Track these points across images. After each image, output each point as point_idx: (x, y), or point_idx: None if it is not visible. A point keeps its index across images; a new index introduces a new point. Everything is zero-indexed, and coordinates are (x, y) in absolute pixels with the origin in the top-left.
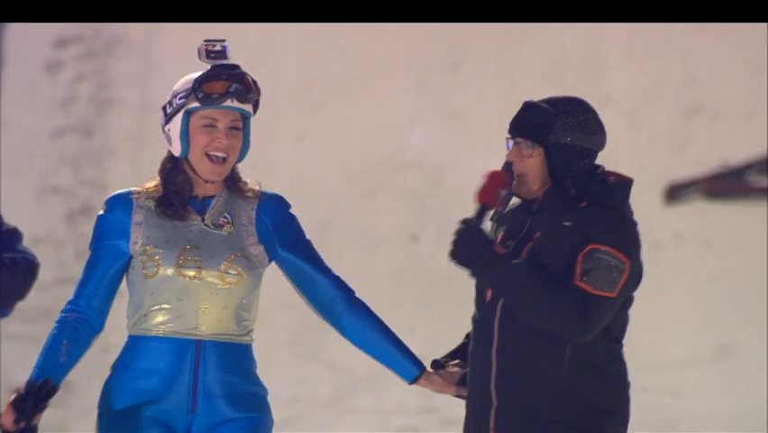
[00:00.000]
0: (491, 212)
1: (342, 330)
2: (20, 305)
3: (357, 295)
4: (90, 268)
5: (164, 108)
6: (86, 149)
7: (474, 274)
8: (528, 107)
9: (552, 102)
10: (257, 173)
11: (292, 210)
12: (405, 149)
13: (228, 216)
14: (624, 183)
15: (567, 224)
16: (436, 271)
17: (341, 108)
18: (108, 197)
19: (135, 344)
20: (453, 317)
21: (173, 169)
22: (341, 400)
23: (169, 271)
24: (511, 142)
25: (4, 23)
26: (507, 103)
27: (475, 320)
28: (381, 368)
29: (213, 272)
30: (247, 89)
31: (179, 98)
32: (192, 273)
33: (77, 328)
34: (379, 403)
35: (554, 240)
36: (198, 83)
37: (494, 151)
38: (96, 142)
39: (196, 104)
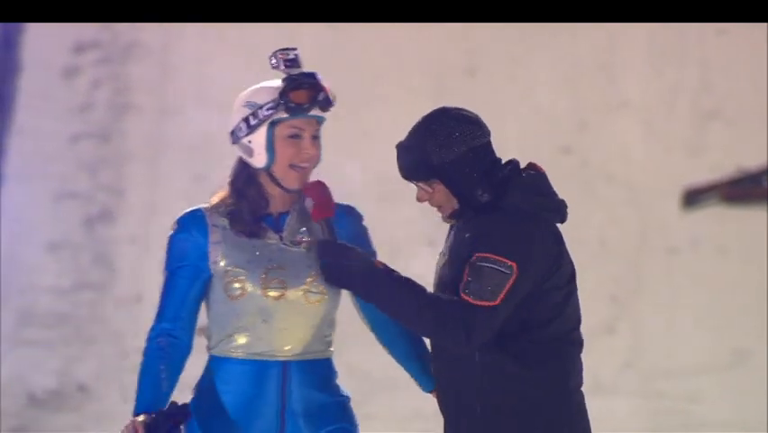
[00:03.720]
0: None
1: (376, 330)
2: (38, 310)
3: None
4: (170, 290)
5: (246, 120)
6: (104, 154)
7: (348, 286)
8: (399, 152)
9: (412, 134)
10: None
11: (364, 222)
12: None
13: (305, 232)
14: (532, 176)
15: (467, 234)
16: None
17: (358, 114)
18: (179, 216)
19: (219, 366)
20: None
21: (247, 181)
22: (359, 405)
23: (254, 293)
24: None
25: (23, 28)
26: (522, 108)
27: None
28: (399, 373)
29: (297, 292)
30: (330, 97)
31: (267, 109)
32: (277, 294)
33: (170, 353)
34: (396, 408)
35: (458, 253)
36: (285, 93)
37: (511, 155)
38: (114, 147)
39: (283, 114)
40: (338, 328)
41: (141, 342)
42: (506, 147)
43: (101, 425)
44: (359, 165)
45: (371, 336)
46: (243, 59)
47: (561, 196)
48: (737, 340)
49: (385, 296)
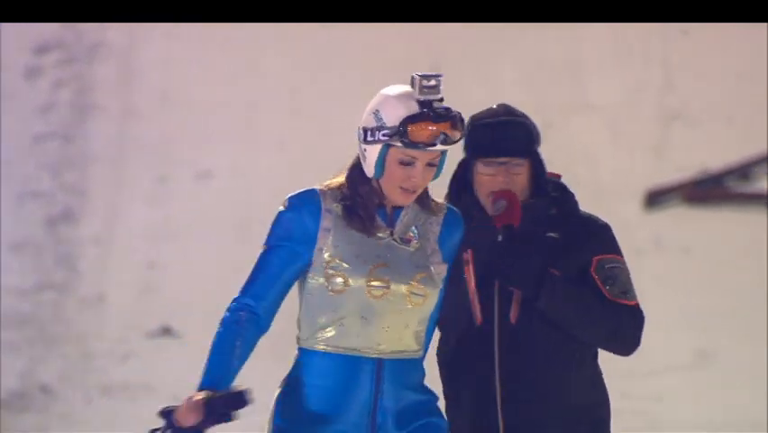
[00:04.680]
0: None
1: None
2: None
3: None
4: (262, 267)
5: (365, 131)
6: (67, 155)
7: (532, 296)
8: (507, 124)
9: (515, 112)
10: (234, 179)
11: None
12: None
13: (416, 230)
14: (566, 187)
15: (553, 235)
16: None
17: (322, 113)
18: (292, 195)
19: (311, 359)
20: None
21: (360, 177)
22: None
23: (357, 289)
24: (485, 165)
25: None
26: (487, 108)
27: (455, 349)
28: None
29: (400, 291)
30: (454, 136)
31: (384, 134)
32: (380, 293)
33: (247, 328)
34: None
35: (542, 246)
36: (404, 127)
37: None
38: (77, 148)
39: (399, 144)
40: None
41: (104, 343)
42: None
43: (65, 426)
44: (323, 165)
45: None
46: (209, 59)
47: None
48: (701, 341)
49: (570, 304)
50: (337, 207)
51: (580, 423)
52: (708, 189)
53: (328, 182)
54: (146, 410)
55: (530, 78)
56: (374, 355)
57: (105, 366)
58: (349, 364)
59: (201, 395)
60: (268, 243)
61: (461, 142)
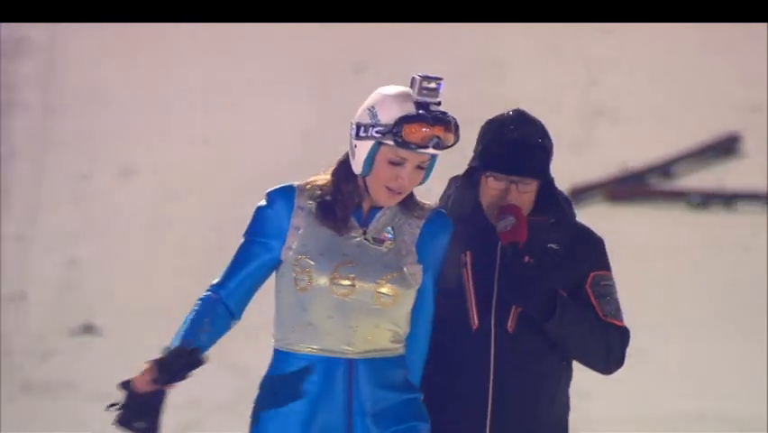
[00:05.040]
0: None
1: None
2: None
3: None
4: (240, 259)
5: (358, 126)
6: None
7: (543, 319)
8: (529, 146)
9: (535, 131)
10: (156, 176)
11: (449, 233)
12: (306, 153)
13: (391, 231)
14: (566, 197)
15: (553, 246)
16: None
17: (240, 112)
18: (270, 189)
19: (285, 359)
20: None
21: (346, 175)
22: (242, 404)
23: (322, 287)
24: (495, 179)
25: None
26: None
27: (449, 349)
28: None
29: (367, 291)
30: (448, 140)
31: (376, 131)
32: (345, 291)
33: (217, 312)
34: None
35: (546, 264)
36: (400, 125)
37: None
38: None
39: (391, 143)
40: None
41: (25, 341)
42: None
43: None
44: (240, 163)
45: (254, 334)
46: (131, 57)
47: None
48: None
49: (576, 328)
50: (311, 204)
51: (558, 429)
52: (631, 187)
53: (312, 178)
54: (68, 409)
55: (453, 76)
56: (345, 356)
57: (27, 364)
58: (321, 365)
59: (159, 356)
60: (244, 235)
61: (474, 145)
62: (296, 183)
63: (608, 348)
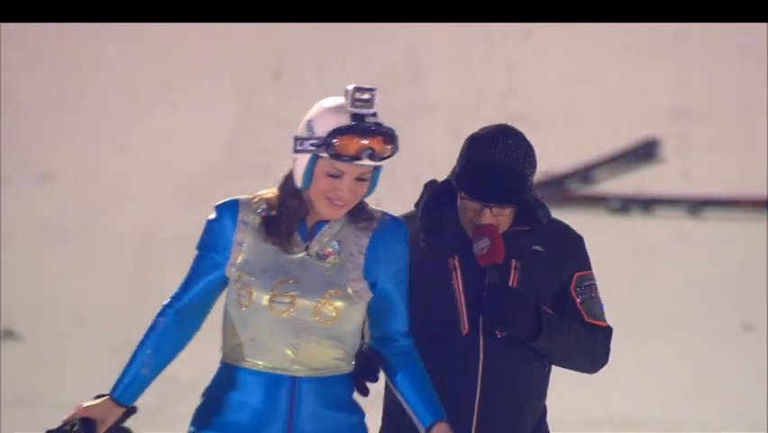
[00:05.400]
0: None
1: (387, 365)
2: None
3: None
4: (192, 273)
5: (296, 140)
6: None
7: (528, 339)
8: (505, 174)
9: (513, 155)
10: (77, 181)
11: (408, 239)
12: (229, 157)
13: (336, 245)
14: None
15: (537, 248)
16: None
17: (164, 117)
18: (218, 203)
19: (228, 373)
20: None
21: (293, 189)
22: (165, 409)
23: (262, 304)
24: (470, 200)
25: None
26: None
27: (437, 353)
28: (205, 377)
29: (306, 308)
30: (383, 152)
31: (311, 144)
32: (284, 309)
33: (166, 336)
34: None
35: (534, 268)
36: (331, 139)
37: None
38: None
39: (325, 155)
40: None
41: None
42: None
43: None
44: (165, 169)
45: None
46: (50, 60)
47: (368, 198)
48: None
49: (563, 343)
50: (255, 219)
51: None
52: (551, 192)
53: (260, 193)
54: None
55: (374, 79)
56: (289, 373)
57: None
58: (265, 382)
59: (84, 413)
60: (196, 248)
61: (457, 161)
62: (242, 197)
63: (594, 350)
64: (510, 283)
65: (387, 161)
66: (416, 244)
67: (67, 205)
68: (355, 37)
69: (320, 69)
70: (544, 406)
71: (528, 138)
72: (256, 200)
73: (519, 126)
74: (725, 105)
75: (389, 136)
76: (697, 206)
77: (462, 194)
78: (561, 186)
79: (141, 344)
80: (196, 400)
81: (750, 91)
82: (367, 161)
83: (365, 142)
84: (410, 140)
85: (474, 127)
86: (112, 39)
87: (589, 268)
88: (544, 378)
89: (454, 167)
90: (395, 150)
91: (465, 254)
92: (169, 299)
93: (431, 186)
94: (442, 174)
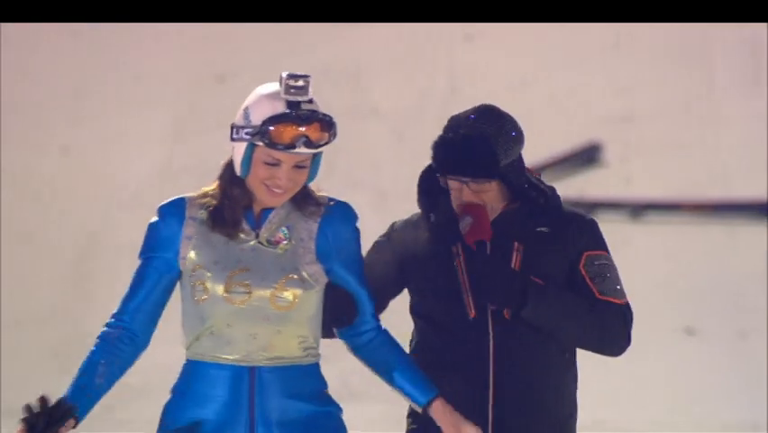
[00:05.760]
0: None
1: (359, 350)
2: None
3: (383, 328)
4: (137, 280)
5: (232, 128)
6: None
7: (516, 310)
8: (466, 143)
9: (483, 127)
10: (21, 185)
11: (358, 223)
12: (173, 160)
13: (286, 231)
14: (544, 184)
15: (543, 229)
16: None
17: (107, 119)
18: (161, 204)
19: (191, 368)
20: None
21: (231, 179)
22: (112, 412)
23: (218, 296)
24: (449, 179)
25: None
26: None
27: (446, 342)
28: (156, 380)
29: (263, 297)
30: (318, 139)
31: (246, 133)
32: (241, 299)
33: (118, 346)
34: (153, 415)
35: (539, 248)
36: (266, 127)
37: None
38: None
39: (260, 144)
40: (88, 337)
41: None
42: None
43: None
44: (109, 171)
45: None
46: None
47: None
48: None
49: (556, 314)
50: (202, 214)
51: (565, 428)
52: None
53: (203, 189)
54: None
55: (318, 82)
56: (249, 364)
57: None
58: (226, 374)
59: (24, 413)
60: (139, 256)
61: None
62: (187, 195)
63: (604, 327)
64: (513, 265)
65: (325, 148)
66: (420, 239)
67: (7, 208)
68: (299, 40)
69: (264, 72)
70: (573, 403)
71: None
72: (201, 196)
73: None
74: (667, 108)
75: (326, 123)
76: (639, 210)
77: (438, 174)
78: None
79: (92, 355)
80: (145, 404)
81: (692, 95)
82: (303, 149)
83: (300, 129)
84: (353, 143)
85: (417, 131)
86: (53, 39)
87: (603, 249)
88: (563, 365)
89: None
90: (332, 137)
91: (465, 242)
92: (114, 313)
93: (419, 178)
94: (384, 177)
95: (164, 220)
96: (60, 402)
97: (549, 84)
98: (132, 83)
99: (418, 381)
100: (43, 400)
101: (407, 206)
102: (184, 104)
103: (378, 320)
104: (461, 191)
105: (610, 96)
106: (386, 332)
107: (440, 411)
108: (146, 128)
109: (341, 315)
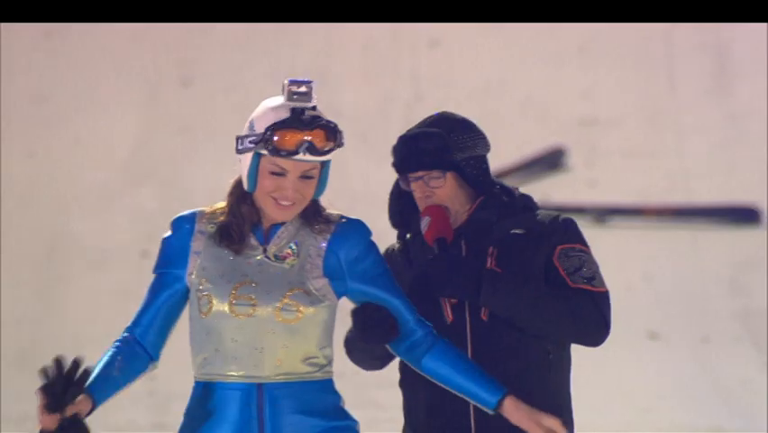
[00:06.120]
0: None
1: (421, 363)
2: None
3: (435, 332)
4: (150, 295)
5: (237, 139)
6: None
7: (479, 300)
8: (417, 138)
9: (434, 124)
10: None
11: (372, 237)
12: (136, 164)
13: (294, 247)
14: (514, 189)
15: (517, 231)
16: None
17: (71, 123)
18: (174, 218)
19: (201, 390)
20: (185, 332)
21: (241, 196)
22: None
23: (222, 310)
24: (404, 181)
25: None
26: (239, 118)
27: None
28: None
29: (268, 310)
30: (323, 146)
31: (250, 141)
32: (245, 312)
33: (134, 353)
34: (109, 419)
35: (514, 250)
36: (270, 133)
37: (226, 166)
38: None
39: (265, 152)
40: (49, 341)
41: None
42: (218, 159)
43: None
44: (71, 175)
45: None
46: None
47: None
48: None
49: (515, 299)
50: (211, 228)
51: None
52: None
53: (216, 205)
54: None
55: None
56: (256, 381)
57: None
58: (234, 392)
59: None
60: (154, 270)
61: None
62: (200, 209)
63: (577, 314)
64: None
65: (331, 156)
66: (401, 253)
67: None
68: (263, 44)
69: (228, 76)
70: (563, 407)
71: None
72: (213, 210)
73: None
74: (630, 114)
75: (330, 130)
76: (603, 214)
77: (401, 179)
78: None
79: (110, 353)
80: (101, 409)
81: (655, 100)
82: (308, 156)
83: (303, 135)
84: None
85: (382, 135)
86: (16, 41)
87: (578, 242)
88: (546, 366)
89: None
90: (337, 144)
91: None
92: (128, 326)
93: (390, 195)
94: (351, 181)
95: (175, 234)
96: (77, 363)
97: (513, 89)
98: (96, 87)
99: (484, 382)
100: (58, 362)
101: (374, 210)
102: (148, 109)
103: (427, 325)
104: (423, 192)
105: (574, 101)
106: (442, 339)
107: (512, 408)
108: (110, 132)
109: (379, 330)
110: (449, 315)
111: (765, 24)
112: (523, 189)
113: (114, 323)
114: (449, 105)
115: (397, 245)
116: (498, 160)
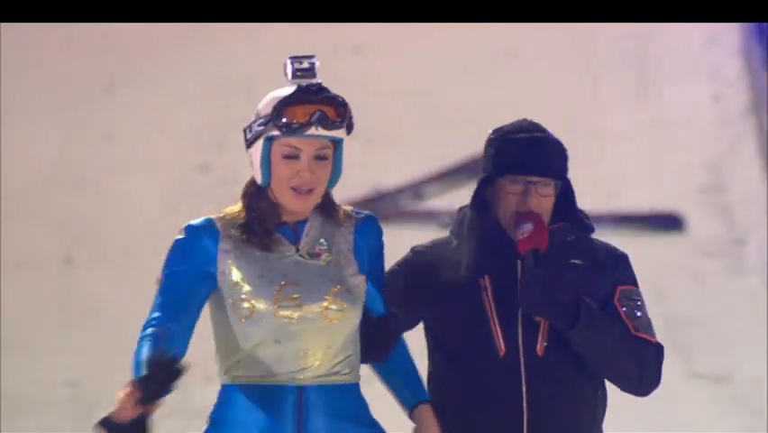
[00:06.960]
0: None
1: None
2: None
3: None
4: (169, 291)
5: (245, 131)
6: None
7: (565, 327)
8: (541, 142)
9: (546, 130)
10: None
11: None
12: (60, 171)
13: (324, 243)
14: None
15: (575, 261)
16: (91, 294)
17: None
18: (189, 223)
19: (231, 393)
20: (108, 340)
21: (256, 194)
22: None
23: (265, 312)
24: (512, 182)
25: None
26: (163, 126)
27: (473, 382)
28: (49, 392)
29: (314, 310)
30: (334, 117)
31: (259, 124)
32: (291, 313)
33: (174, 336)
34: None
35: (581, 273)
36: (278, 109)
37: (146, 174)
38: None
39: (276, 132)
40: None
41: None
42: (142, 166)
43: None
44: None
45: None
46: None
47: (197, 215)
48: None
49: (603, 336)
50: (236, 231)
51: None
52: (382, 207)
53: (224, 211)
54: None
55: (205, 95)
56: (295, 383)
57: None
58: (269, 395)
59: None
60: (167, 269)
61: (485, 159)
62: (209, 216)
63: (641, 365)
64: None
65: (344, 133)
66: (444, 268)
67: None
68: (189, 50)
69: (153, 81)
70: None
71: (362, 155)
72: (226, 215)
73: (351, 142)
74: (553, 121)
75: (338, 102)
76: None
77: (504, 179)
78: (392, 202)
79: (150, 346)
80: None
81: (577, 108)
82: (320, 130)
83: (312, 106)
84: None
85: None
86: None
87: (634, 284)
88: (595, 403)
89: (482, 169)
90: (347, 117)
91: (496, 272)
92: (151, 318)
93: (465, 208)
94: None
95: (195, 235)
96: (174, 361)
97: (437, 96)
98: (18, 92)
99: (412, 383)
100: (164, 358)
101: None
102: (70, 115)
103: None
104: (524, 196)
105: (498, 108)
106: (400, 341)
107: (425, 416)
108: (32, 138)
109: (377, 349)
110: (501, 347)
111: (689, 32)
112: (447, 198)
113: (39, 330)
114: (372, 113)
115: (438, 248)
116: (421, 167)
